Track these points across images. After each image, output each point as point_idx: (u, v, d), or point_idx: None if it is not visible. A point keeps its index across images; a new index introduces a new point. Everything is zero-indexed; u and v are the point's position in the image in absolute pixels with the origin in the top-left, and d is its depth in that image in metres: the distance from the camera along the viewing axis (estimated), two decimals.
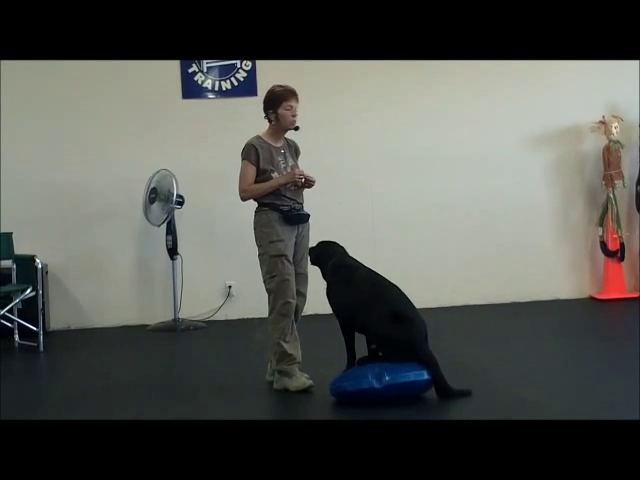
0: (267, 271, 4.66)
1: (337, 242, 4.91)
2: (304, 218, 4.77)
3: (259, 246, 4.72)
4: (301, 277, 4.79)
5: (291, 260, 4.68)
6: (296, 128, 4.73)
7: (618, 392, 4.35)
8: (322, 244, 4.90)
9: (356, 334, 4.62)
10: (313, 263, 4.87)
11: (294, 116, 4.69)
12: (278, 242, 4.64)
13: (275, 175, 4.68)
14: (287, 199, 4.69)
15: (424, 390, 4.30)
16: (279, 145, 4.78)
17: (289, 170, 4.71)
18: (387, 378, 4.19)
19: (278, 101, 4.68)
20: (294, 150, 4.86)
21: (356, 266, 4.71)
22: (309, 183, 4.72)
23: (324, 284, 4.77)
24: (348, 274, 4.63)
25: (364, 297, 4.47)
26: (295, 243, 4.73)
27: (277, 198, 4.69)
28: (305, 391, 4.56)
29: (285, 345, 4.63)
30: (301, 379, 4.60)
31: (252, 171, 4.70)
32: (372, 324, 4.39)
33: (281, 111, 4.68)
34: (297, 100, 4.71)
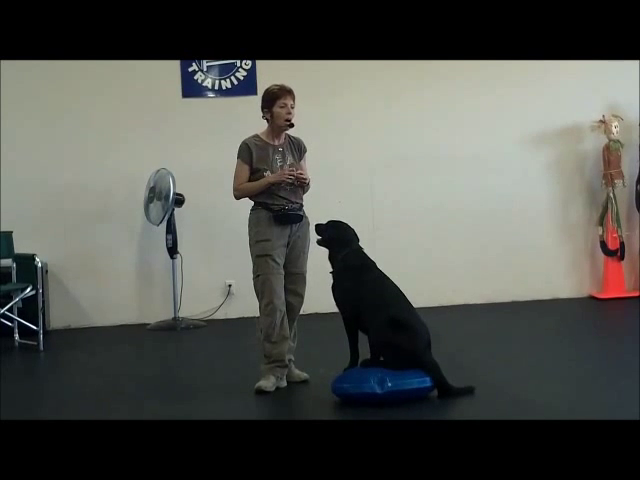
0: (253, 271, 4.69)
1: (349, 225, 4.71)
2: (295, 218, 4.69)
3: (249, 245, 4.73)
4: (297, 277, 4.77)
5: (279, 260, 4.65)
6: (291, 125, 4.71)
7: (618, 392, 4.35)
8: (336, 226, 4.70)
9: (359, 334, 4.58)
10: (321, 243, 4.70)
11: (289, 113, 4.67)
12: (264, 242, 4.63)
13: (267, 174, 4.67)
14: (280, 198, 4.66)
15: (425, 394, 4.28)
16: (277, 143, 4.76)
17: (285, 169, 4.69)
18: (389, 384, 4.16)
19: (272, 99, 4.68)
20: (297, 148, 4.82)
21: (368, 267, 4.58)
22: (300, 182, 4.69)
23: (324, 283, 4.69)
24: (358, 274, 4.52)
25: (369, 299, 4.41)
26: (288, 243, 4.70)
27: (269, 197, 4.67)
28: (260, 392, 4.52)
29: (267, 346, 4.63)
30: (266, 382, 4.56)
31: (245, 170, 4.71)
32: (374, 330, 4.34)
33: (275, 109, 4.67)
34: (293, 98, 4.69)
